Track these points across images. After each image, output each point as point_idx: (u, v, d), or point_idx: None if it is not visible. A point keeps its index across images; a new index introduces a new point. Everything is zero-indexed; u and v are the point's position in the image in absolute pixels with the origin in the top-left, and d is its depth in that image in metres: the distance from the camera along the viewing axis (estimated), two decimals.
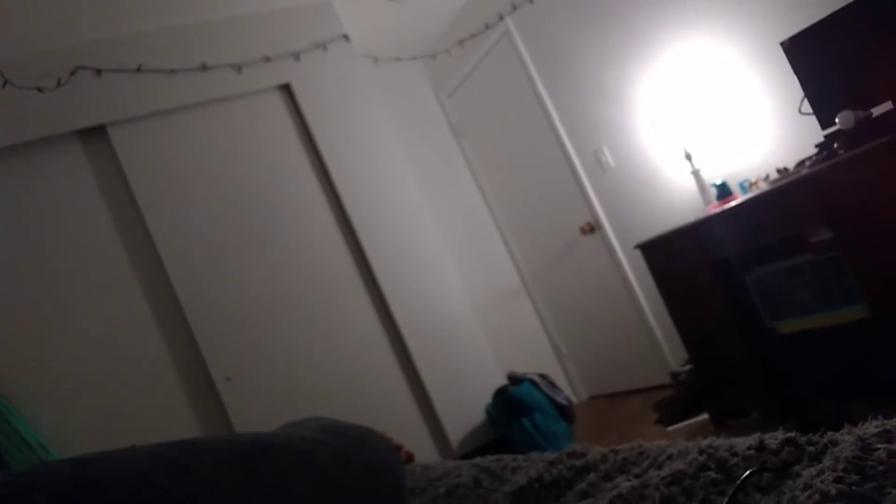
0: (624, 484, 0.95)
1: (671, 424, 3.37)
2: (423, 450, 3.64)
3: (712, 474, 0.86)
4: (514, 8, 4.31)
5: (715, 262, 2.87)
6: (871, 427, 0.73)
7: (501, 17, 4.43)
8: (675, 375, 3.58)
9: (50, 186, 3.30)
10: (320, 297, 3.67)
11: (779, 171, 2.86)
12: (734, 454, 0.87)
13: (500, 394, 3.70)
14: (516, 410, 3.57)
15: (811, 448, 0.79)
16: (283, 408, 3.31)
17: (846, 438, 0.75)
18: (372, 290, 3.80)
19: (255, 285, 3.55)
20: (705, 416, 3.20)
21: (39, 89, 3.24)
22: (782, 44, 2.68)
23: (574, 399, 4.81)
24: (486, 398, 3.77)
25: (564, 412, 3.67)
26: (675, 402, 3.43)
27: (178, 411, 3.29)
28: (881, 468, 0.65)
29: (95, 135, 3.42)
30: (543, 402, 3.62)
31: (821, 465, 0.72)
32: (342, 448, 1.09)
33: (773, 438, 0.85)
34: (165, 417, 3.23)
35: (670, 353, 4.00)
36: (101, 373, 3.17)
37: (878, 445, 0.68)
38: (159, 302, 3.38)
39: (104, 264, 3.32)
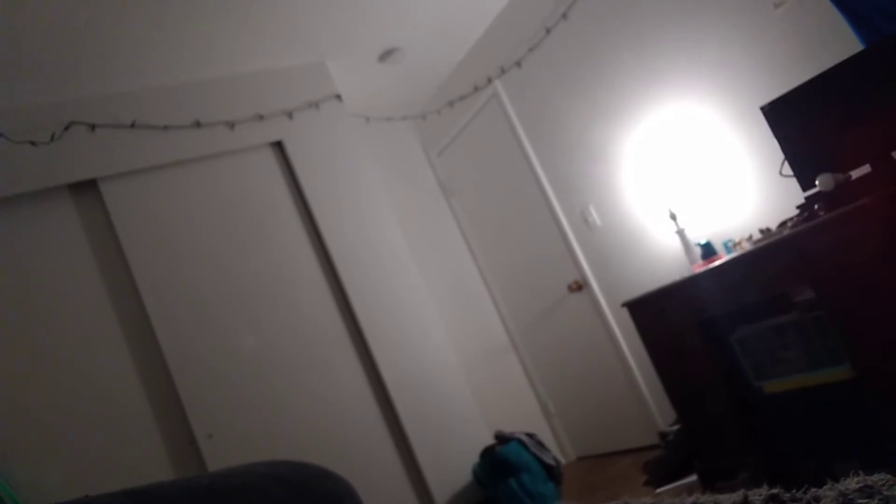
0: None
1: (660, 486, 3.33)
2: None
3: None
4: (503, 71, 4.43)
5: (701, 321, 2.88)
6: (852, 483, 0.74)
7: (490, 80, 4.54)
8: (663, 436, 3.55)
9: (39, 239, 3.29)
10: (307, 354, 3.64)
11: (761, 231, 2.91)
12: None
13: (488, 453, 3.65)
14: (504, 470, 3.51)
15: None
16: None
17: (828, 494, 0.75)
18: (359, 347, 3.77)
19: (241, 341, 3.52)
20: (694, 477, 3.16)
21: (33, 143, 3.27)
22: (762, 108, 2.76)
23: (562, 459, 4.75)
24: (473, 457, 3.72)
25: (552, 473, 3.62)
26: (663, 463, 3.39)
27: (158, 468, 3.21)
28: None
29: (87, 189, 3.44)
30: (531, 463, 3.57)
31: None
32: (300, 483, 1.09)
33: (757, 495, 0.85)
34: (145, 474, 3.15)
35: (658, 412, 3.97)
36: (81, 428, 3.10)
37: (860, 501, 0.69)
38: (143, 357, 3.33)
39: (90, 318, 3.29)
